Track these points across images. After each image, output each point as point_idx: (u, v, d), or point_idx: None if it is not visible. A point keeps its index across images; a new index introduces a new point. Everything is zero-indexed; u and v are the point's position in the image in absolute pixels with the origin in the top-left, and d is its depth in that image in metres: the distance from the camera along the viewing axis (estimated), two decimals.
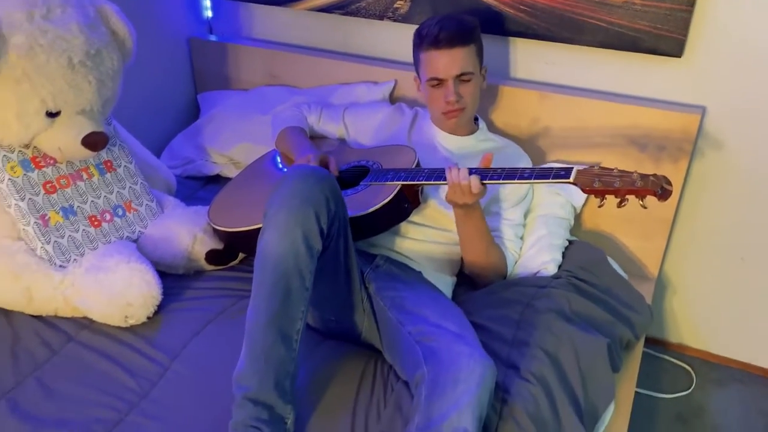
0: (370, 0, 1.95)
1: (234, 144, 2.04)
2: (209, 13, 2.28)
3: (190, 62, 2.29)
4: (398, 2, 1.92)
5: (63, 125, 1.47)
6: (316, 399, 1.27)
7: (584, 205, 1.81)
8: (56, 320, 1.46)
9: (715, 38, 1.66)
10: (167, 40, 2.18)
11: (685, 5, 1.61)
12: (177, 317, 1.46)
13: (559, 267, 1.62)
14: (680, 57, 1.68)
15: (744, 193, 1.79)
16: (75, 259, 1.50)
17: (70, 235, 1.51)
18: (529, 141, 1.86)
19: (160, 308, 1.47)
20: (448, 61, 1.52)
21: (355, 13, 1.99)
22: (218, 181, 2.09)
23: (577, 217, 1.84)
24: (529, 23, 1.78)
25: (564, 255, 1.66)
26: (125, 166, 1.66)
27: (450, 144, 1.66)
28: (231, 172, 2.07)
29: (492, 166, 1.39)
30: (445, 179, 1.38)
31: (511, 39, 1.87)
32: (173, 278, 1.58)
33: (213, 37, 2.26)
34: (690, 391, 1.96)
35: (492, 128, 1.86)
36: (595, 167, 1.27)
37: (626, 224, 1.84)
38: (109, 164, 1.63)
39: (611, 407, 1.38)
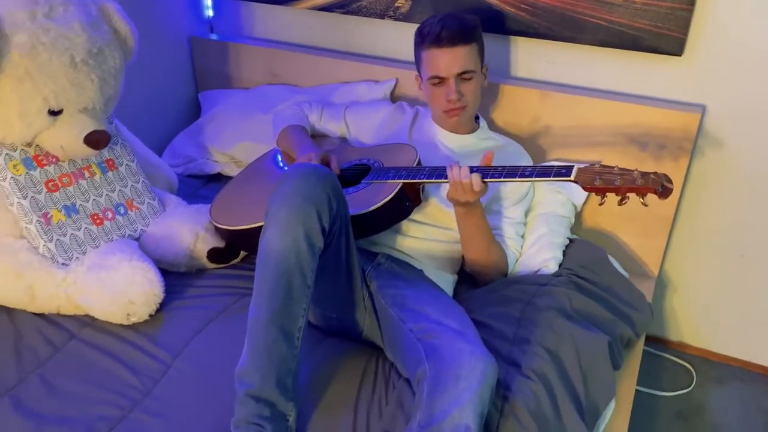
0: None
1: (235, 143, 2.05)
2: (210, 12, 2.29)
3: (191, 61, 2.29)
4: (399, 1, 1.92)
5: (65, 124, 1.47)
6: (318, 396, 1.28)
7: (585, 203, 1.81)
8: (58, 318, 1.46)
9: (715, 37, 1.66)
10: (168, 39, 2.19)
11: (685, 4, 1.61)
12: (179, 315, 1.47)
13: (560, 265, 1.62)
14: (680, 56, 1.69)
15: (744, 191, 1.80)
16: (77, 257, 1.51)
17: (72, 233, 1.52)
18: (530, 139, 1.87)
19: (162, 306, 1.47)
20: (449, 60, 1.52)
21: (356, 12, 1.99)
22: (219, 179, 2.09)
23: (578, 215, 1.85)
24: (530, 22, 1.79)
25: (565, 253, 1.66)
26: (127, 164, 1.67)
27: (451, 142, 1.66)
28: (232, 170, 2.08)
29: (493, 164, 1.39)
30: (446, 177, 1.38)
31: (512, 38, 1.87)
32: (175, 276, 1.59)
33: (214, 36, 2.27)
34: (690, 389, 1.96)
35: (493, 127, 1.87)
36: (596, 165, 1.28)
37: (627, 222, 1.85)
38: (110, 163, 1.64)
39: (612, 404, 1.38)
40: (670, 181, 1.21)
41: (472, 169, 1.36)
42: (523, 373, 1.28)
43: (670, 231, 1.88)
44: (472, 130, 1.69)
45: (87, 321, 1.45)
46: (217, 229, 1.62)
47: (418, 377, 1.17)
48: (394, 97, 1.99)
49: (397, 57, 2.04)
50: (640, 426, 1.81)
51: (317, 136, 1.87)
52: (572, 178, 1.27)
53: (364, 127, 1.80)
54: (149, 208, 1.67)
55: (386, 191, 1.44)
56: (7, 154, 1.47)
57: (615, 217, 1.85)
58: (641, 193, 1.22)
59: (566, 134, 1.83)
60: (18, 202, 1.46)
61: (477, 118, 1.72)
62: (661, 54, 1.69)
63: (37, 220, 1.47)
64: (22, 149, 1.49)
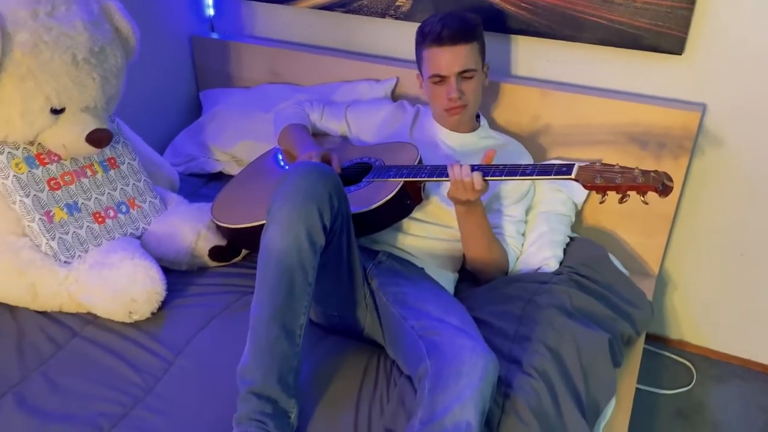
0: None
1: (236, 141, 2.05)
2: (211, 11, 2.29)
3: (192, 60, 2.29)
4: (400, 0, 1.93)
5: (67, 122, 1.48)
6: (319, 394, 1.28)
7: (585, 201, 1.82)
8: (61, 316, 1.46)
9: (715, 36, 1.66)
10: (169, 38, 2.19)
11: (685, 3, 1.62)
12: (181, 313, 1.47)
13: (561, 263, 1.62)
14: (681, 54, 1.69)
15: (744, 190, 1.80)
16: (79, 256, 1.51)
17: (74, 232, 1.52)
18: (531, 138, 1.87)
19: (164, 304, 1.48)
20: (450, 58, 1.53)
21: (357, 11, 2.00)
22: (221, 178, 2.09)
23: (579, 213, 1.85)
24: (531, 21, 1.79)
25: (565, 251, 1.67)
26: (129, 163, 1.67)
27: (452, 141, 1.67)
28: (233, 169, 2.08)
29: (494, 163, 1.39)
30: (447, 176, 1.39)
31: (513, 36, 1.88)
32: (177, 274, 1.59)
33: (215, 35, 2.27)
34: (690, 387, 1.97)
35: (493, 125, 1.87)
36: (597, 164, 1.28)
37: (627, 221, 1.85)
38: (112, 161, 1.64)
39: (612, 402, 1.39)
40: (671, 180, 1.22)
41: (474, 168, 1.36)
42: (524, 371, 1.29)
43: (671, 229, 1.89)
44: (473, 129, 1.69)
45: (89, 319, 1.46)
46: (218, 227, 1.62)
47: (420, 374, 1.18)
48: (395, 96, 2.00)
49: (398, 56, 2.05)
50: (640, 424, 1.82)
51: (318, 135, 1.87)
52: (573, 176, 1.27)
53: (365, 125, 1.80)
54: (151, 207, 1.68)
55: (387, 190, 1.44)
56: (9, 152, 1.47)
57: (615, 216, 1.86)
58: (642, 191, 1.22)
59: (566, 133, 1.84)
60: (20, 201, 1.46)
61: (478, 116, 1.72)
62: (662, 53, 1.70)
63: (40, 219, 1.47)
64: (25, 148, 1.50)
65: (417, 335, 1.24)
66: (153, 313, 1.45)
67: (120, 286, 1.41)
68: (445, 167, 1.41)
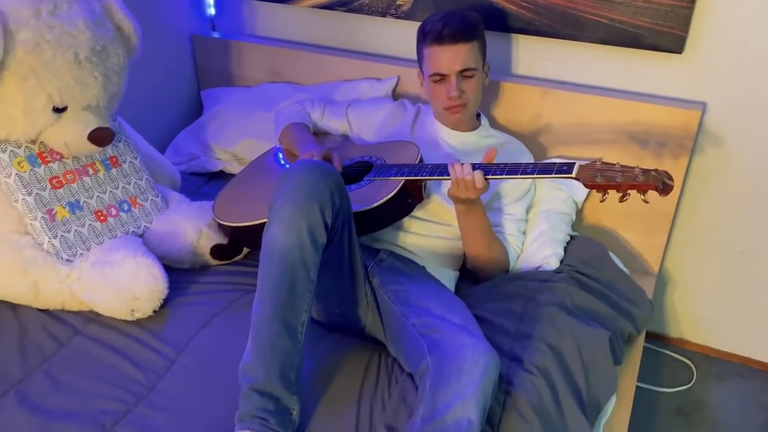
0: None
1: (237, 140, 2.06)
2: (212, 11, 2.30)
3: (193, 59, 2.30)
4: None
5: (69, 121, 1.48)
6: (321, 391, 1.28)
7: (586, 200, 1.82)
8: (63, 314, 1.47)
9: (715, 35, 1.67)
10: (170, 37, 2.19)
11: (686, 2, 1.62)
12: (183, 311, 1.48)
13: (561, 261, 1.63)
14: (681, 53, 1.69)
15: (744, 189, 1.81)
16: (81, 254, 1.52)
17: (76, 230, 1.52)
18: (531, 137, 1.87)
19: (166, 302, 1.48)
20: (450, 57, 1.53)
21: (357, 10, 2.00)
22: (222, 177, 2.10)
23: (579, 212, 1.86)
24: (531, 20, 1.79)
25: (566, 250, 1.67)
26: (130, 161, 1.68)
27: (452, 140, 1.67)
28: (234, 168, 2.08)
29: (495, 161, 1.40)
30: (448, 175, 1.39)
31: (513, 35, 1.88)
32: (179, 273, 1.59)
33: (216, 34, 2.28)
34: (690, 385, 1.97)
35: (494, 124, 1.87)
36: (597, 162, 1.29)
37: (627, 219, 1.86)
38: (114, 160, 1.65)
39: (613, 399, 1.39)
40: (671, 178, 1.22)
41: (475, 166, 1.37)
42: (525, 368, 1.29)
43: (671, 228, 1.90)
44: (474, 128, 1.70)
45: (91, 317, 1.46)
46: (220, 225, 1.63)
47: (421, 371, 1.18)
48: (395, 95, 2.00)
49: (399, 55, 2.05)
50: (640, 422, 1.82)
51: (319, 134, 1.88)
52: (574, 175, 1.27)
53: (366, 124, 1.81)
54: (153, 205, 1.68)
55: (389, 188, 1.44)
56: (11, 151, 1.47)
57: (616, 214, 1.86)
58: (642, 190, 1.23)
59: (567, 132, 1.84)
60: (23, 199, 1.47)
61: (478, 115, 1.73)
62: (662, 51, 1.70)
63: (42, 217, 1.48)
64: (27, 146, 1.50)
65: (418, 333, 1.24)
66: (155, 311, 1.45)
67: (122, 284, 1.42)
68: (446, 166, 1.41)
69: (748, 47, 1.65)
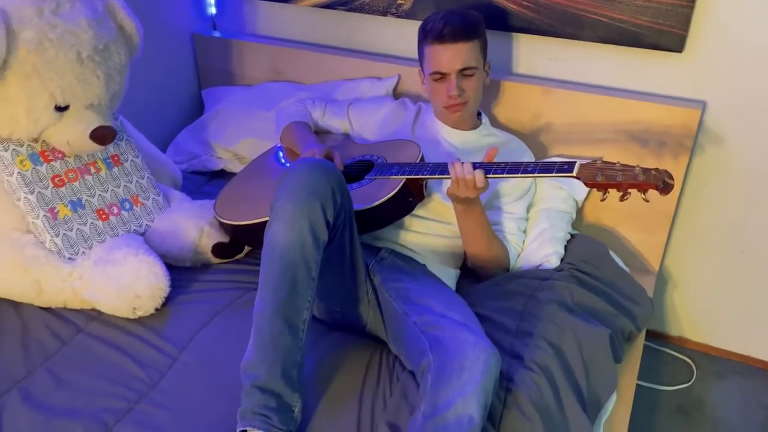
0: None
1: (238, 139, 2.06)
2: (213, 10, 2.30)
3: (194, 58, 2.30)
4: None
5: (71, 119, 1.49)
6: (322, 389, 1.29)
7: (586, 199, 1.83)
8: (65, 312, 1.47)
9: (715, 34, 1.67)
10: (171, 36, 2.20)
11: (686, 1, 1.63)
12: (185, 309, 1.48)
13: (562, 260, 1.64)
14: (681, 52, 1.70)
15: (744, 188, 1.81)
16: (83, 252, 1.52)
17: (78, 228, 1.53)
18: (532, 136, 1.88)
19: (168, 300, 1.49)
20: (451, 56, 1.54)
21: (358, 10, 2.01)
22: (223, 176, 2.10)
23: (579, 210, 1.86)
24: (532, 19, 1.80)
25: (566, 248, 1.68)
26: (132, 160, 1.68)
27: (453, 138, 1.68)
28: (235, 167, 2.09)
29: (495, 160, 1.40)
30: (449, 173, 1.39)
31: (514, 35, 1.88)
32: (180, 271, 1.60)
33: (217, 34, 2.28)
34: (690, 383, 1.98)
35: (495, 123, 1.88)
36: (598, 161, 1.29)
37: (628, 218, 1.86)
38: (116, 158, 1.65)
39: (613, 397, 1.40)
40: (671, 177, 1.22)
41: (476, 165, 1.37)
42: (525, 366, 1.30)
43: (671, 227, 1.90)
44: (475, 127, 1.70)
45: (93, 315, 1.47)
46: (221, 224, 1.63)
47: (422, 369, 1.19)
48: (396, 94, 2.01)
49: (400, 54, 2.06)
50: (640, 420, 1.83)
51: (320, 133, 1.88)
52: (574, 174, 1.28)
53: (367, 123, 1.81)
54: (154, 204, 1.69)
55: (390, 187, 1.45)
56: (14, 149, 1.48)
57: (616, 213, 1.87)
58: (643, 189, 1.23)
59: (567, 131, 1.85)
60: (25, 197, 1.47)
61: (479, 114, 1.73)
62: (662, 50, 1.71)
63: (44, 215, 1.48)
64: (29, 145, 1.50)
65: (419, 330, 1.25)
66: (157, 309, 1.46)
67: (124, 283, 1.42)
68: (447, 165, 1.41)
69: (748, 46, 1.65)
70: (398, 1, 1.94)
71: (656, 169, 1.23)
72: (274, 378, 1.17)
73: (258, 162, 1.84)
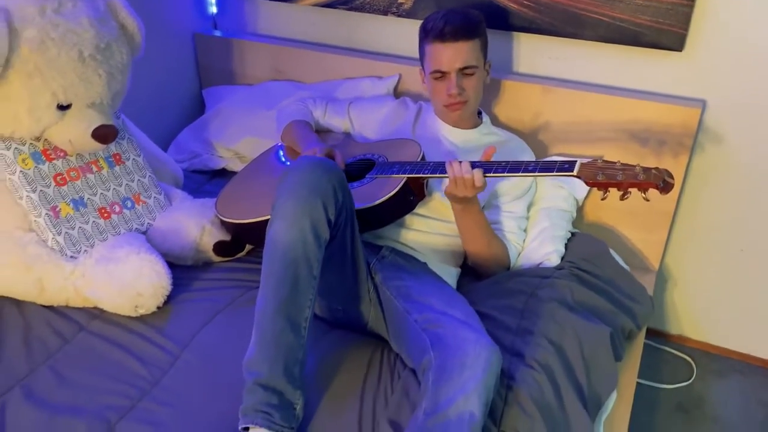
0: None
1: (240, 138, 2.07)
2: (214, 9, 2.30)
3: (195, 58, 2.30)
4: None
5: (73, 118, 1.49)
6: (324, 387, 1.29)
7: (586, 198, 1.83)
8: (67, 310, 1.48)
9: (715, 33, 1.68)
10: (172, 35, 2.20)
11: (686, 0, 1.63)
12: (186, 307, 1.49)
13: (562, 258, 1.64)
14: (681, 51, 1.70)
15: (744, 186, 1.81)
16: (85, 250, 1.52)
17: (80, 227, 1.53)
18: (532, 135, 1.88)
19: (170, 298, 1.49)
20: (451, 55, 1.54)
21: (359, 9, 2.01)
22: (224, 174, 2.11)
23: (580, 209, 1.87)
24: (533, 18, 1.80)
25: (567, 247, 1.68)
26: (134, 159, 1.68)
27: (454, 137, 1.68)
28: (236, 166, 2.09)
29: (495, 159, 1.41)
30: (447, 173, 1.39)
31: (515, 34, 1.89)
32: (182, 269, 1.60)
33: (218, 33, 2.28)
34: (690, 381, 1.98)
35: (495, 122, 1.88)
36: (598, 160, 1.29)
37: (628, 217, 1.87)
38: (117, 157, 1.65)
39: (614, 395, 1.40)
40: (672, 177, 1.23)
41: (474, 165, 1.37)
42: (526, 363, 1.30)
43: (671, 225, 1.90)
44: (475, 125, 1.71)
45: (95, 313, 1.47)
46: (222, 222, 1.64)
47: (424, 366, 1.19)
48: (397, 93, 2.01)
49: (400, 53, 2.06)
50: (641, 418, 1.83)
51: (321, 132, 1.89)
52: (575, 173, 1.28)
53: (367, 122, 1.81)
54: (156, 202, 1.69)
55: (391, 186, 1.45)
56: (16, 148, 1.48)
57: (616, 212, 1.87)
58: (643, 188, 1.23)
59: (568, 129, 1.85)
60: (27, 196, 1.48)
61: (480, 113, 1.74)
62: (662, 49, 1.71)
63: (46, 214, 1.49)
64: (31, 143, 1.51)
65: (421, 328, 1.25)
66: (159, 308, 1.46)
67: (126, 281, 1.43)
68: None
69: (748, 45, 1.66)
70: (399, 1, 1.94)
71: (656, 169, 1.24)
72: (276, 375, 1.17)
73: (259, 161, 1.84)
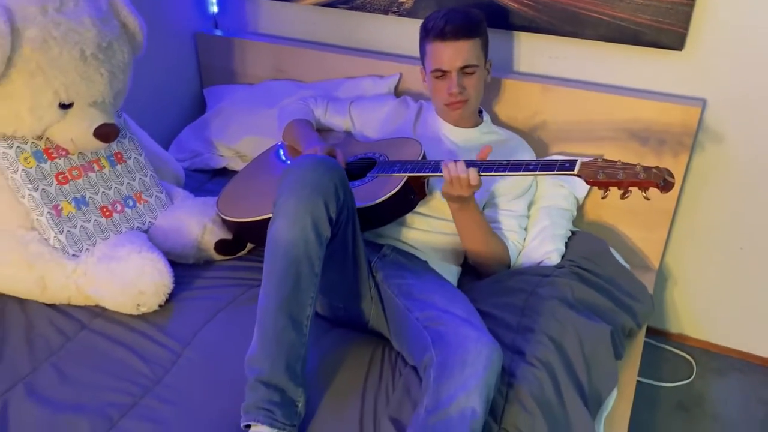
0: None
1: (240, 137, 2.07)
2: (215, 9, 2.31)
3: (196, 57, 2.31)
4: None
5: (75, 117, 1.49)
6: (326, 384, 1.30)
7: (587, 196, 1.84)
8: (69, 308, 1.48)
9: (715, 32, 1.68)
10: (173, 35, 2.20)
11: None
12: (188, 306, 1.49)
13: (563, 257, 1.64)
14: (681, 50, 1.71)
15: (743, 185, 1.82)
16: (87, 249, 1.53)
17: (82, 225, 1.54)
18: (532, 133, 1.89)
19: (172, 297, 1.50)
20: (452, 53, 1.54)
21: (360, 8, 2.01)
22: (225, 174, 2.11)
23: (580, 208, 1.87)
24: (533, 17, 1.81)
25: (567, 245, 1.69)
26: (135, 158, 1.69)
27: (455, 136, 1.69)
28: (237, 165, 2.10)
29: (496, 158, 1.41)
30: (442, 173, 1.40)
31: (515, 33, 1.89)
32: (183, 268, 1.61)
33: (219, 32, 2.29)
34: (691, 380, 1.99)
35: (495, 121, 1.89)
36: (599, 159, 1.30)
37: (628, 216, 1.87)
38: (119, 156, 1.66)
39: (614, 393, 1.41)
40: (672, 175, 1.23)
41: (474, 164, 1.38)
42: (527, 361, 1.30)
43: (671, 224, 1.91)
44: (476, 124, 1.71)
45: (97, 311, 1.48)
46: (224, 221, 1.64)
47: (425, 364, 1.19)
48: (398, 92, 2.01)
49: (401, 52, 2.07)
50: (641, 416, 1.84)
51: (322, 131, 1.89)
52: (576, 172, 1.28)
53: (368, 121, 1.82)
54: (157, 201, 1.70)
55: (392, 184, 1.46)
56: (18, 147, 1.49)
57: (616, 211, 1.88)
58: (643, 187, 1.24)
59: (568, 129, 1.86)
60: (29, 194, 1.48)
61: (480, 112, 1.74)
62: (662, 48, 1.72)
63: (48, 212, 1.49)
64: (33, 142, 1.51)
65: (422, 326, 1.26)
66: (160, 306, 1.47)
67: (128, 279, 1.43)
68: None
69: (748, 44, 1.66)
70: (399, 0, 1.95)
71: (657, 168, 1.24)
72: (277, 373, 1.18)
73: (260, 160, 1.85)
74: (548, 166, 1.33)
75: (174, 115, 2.28)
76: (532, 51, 1.90)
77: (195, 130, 2.16)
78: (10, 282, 1.47)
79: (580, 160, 1.30)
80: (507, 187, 1.66)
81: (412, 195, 1.49)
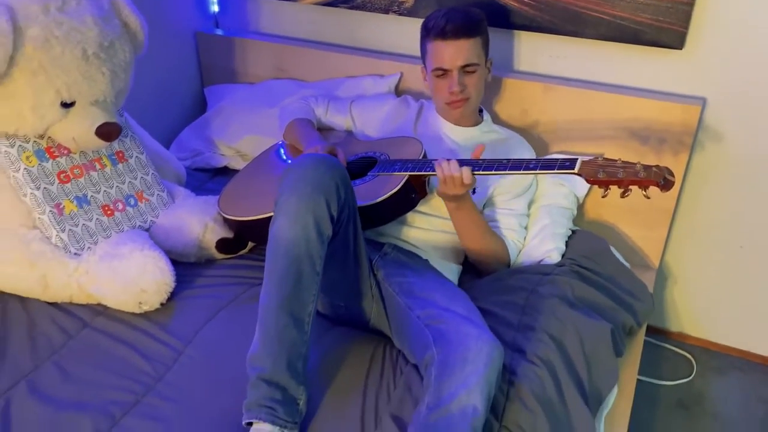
0: None
1: (241, 136, 2.07)
2: (215, 8, 2.31)
3: (197, 56, 2.31)
4: None
5: (77, 116, 1.50)
6: (327, 382, 1.30)
7: (587, 195, 1.84)
8: (71, 307, 1.49)
9: (715, 31, 1.68)
10: (174, 34, 2.21)
11: None
12: (190, 304, 1.50)
13: (563, 255, 1.65)
14: (681, 49, 1.71)
15: (743, 184, 1.82)
16: (89, 247, 1.53)
17: (83, 224, 1.54)
18: (532, 132, 1.89)
19: (173, 295, 1.50)
20: (453, 52, 1.55)
21: (361, 8, 2.02)
22: (226, 173, 2.11)
23: (580, 207, 1.87)
24: (534, 16, 1.81)
25: (567, 244, 1.69)
26: (137, 156, 1.69)
27: (455, 135, 1.69)
28: (238, 164, 2.10)
29: (497, 157, 1.41)
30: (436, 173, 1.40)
31: (516, 32, 1.90)
32: (185, 266, 1.61)
33: (219, 32, 2.29)
34: (691, 378, 1.99)
35: (496, 120, 1.89)
36: (599, 158, 1.30)
37: (628, 214, 1.87)
38: (120, 155, 1.66)
39: (614, 391, 1.41)
40: (672, 174, 1.24)
41: (468, 163, 1.38)
42: (528, 359, 1.31)
43: (671, 223, 1.91)
44: (476, 123, 1.71)
45: (99, 310, 1.48)
46: (225, 220, 1.64)
47: (426, 362, 1.20)
48: (398, 91, 2.02)
49: (402, 51, 2.07)
50: (641, 414, 1.84)
51: (323, 130, 1.89)
52: (576, 170, 1.29)
53: (369, 120, 1.82)
54: (159, 200, 1.70)
55: (393, 183, 1.46)
56: (20, 145, 1.49)
57: (617, 209, 1.88)
58: (644, 185, 1.24)
59: (568, 128, 1.86)
60: (31, 193, 1.48)
61: (481, 111, 1.74)
62: (662, 47, 1.72)
63: (50, 211, 1.50)
64: (35, 141, 1.52)
65: (423, 324, 1.26)
66: (162, 304, 1.47)
67: (130, 277, 1.44)
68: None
69: (748, 43, 1.66)
70: None
71: (657, 166, 1.24)
72: (279, 370, 1.18)
73: (261, 159, 1.85)
74: (548, 165, 1.33)
75: (175, 114, 2.29)
76: (533, 50, 1.91)
77: (196, 129, 2.17)
78: (12, 281, 1.47)
79: (580, 158, 1.31)
80: (507, 186, 1.66)
81: (412, 194, 1.49)
